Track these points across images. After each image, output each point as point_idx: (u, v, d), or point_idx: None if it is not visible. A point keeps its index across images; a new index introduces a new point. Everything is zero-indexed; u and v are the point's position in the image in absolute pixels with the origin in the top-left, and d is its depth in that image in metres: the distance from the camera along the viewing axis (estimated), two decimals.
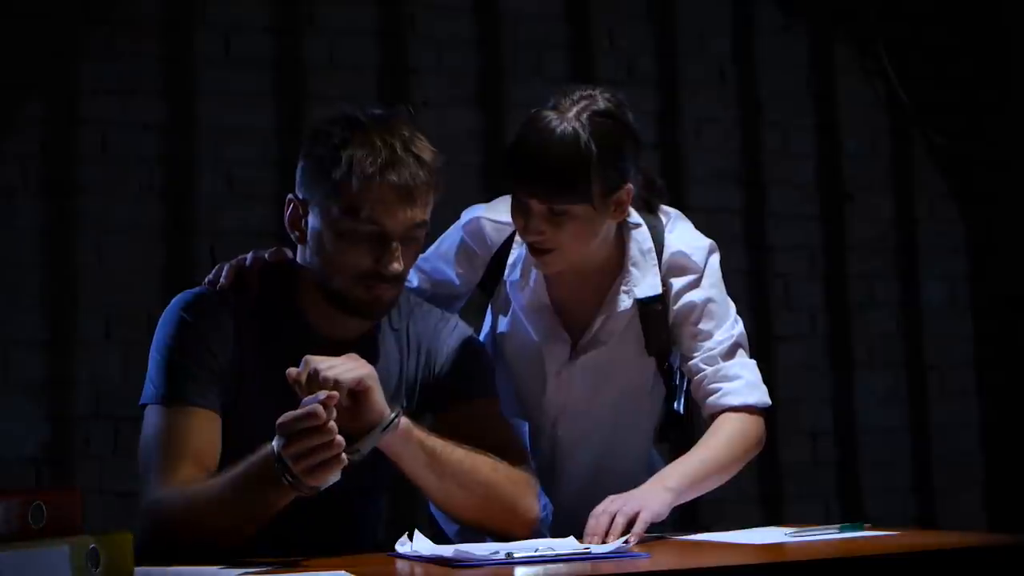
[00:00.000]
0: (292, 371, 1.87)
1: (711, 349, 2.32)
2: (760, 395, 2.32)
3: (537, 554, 1.83)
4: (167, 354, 2.04)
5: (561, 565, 1.78)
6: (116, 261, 3.74)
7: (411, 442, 1.98)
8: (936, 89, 4.70)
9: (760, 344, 4.49)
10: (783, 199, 4.52)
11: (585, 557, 1.82)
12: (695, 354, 2.33)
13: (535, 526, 2.10)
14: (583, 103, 2.18)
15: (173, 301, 2.11)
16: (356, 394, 1.89)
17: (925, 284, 4.67)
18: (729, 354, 2.32)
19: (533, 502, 2.09)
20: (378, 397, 1.92)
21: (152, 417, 2.02)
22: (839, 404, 4.53)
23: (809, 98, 4.61)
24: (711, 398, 2.30)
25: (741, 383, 2.30)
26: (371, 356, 2.10)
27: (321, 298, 2.05)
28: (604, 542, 1.99)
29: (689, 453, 2.25)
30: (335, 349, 1.99)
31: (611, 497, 2.12)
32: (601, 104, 2.20)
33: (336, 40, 4.04)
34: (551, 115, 2.17)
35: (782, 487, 4.39)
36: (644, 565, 1.77)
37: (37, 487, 3.44)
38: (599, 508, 2.09)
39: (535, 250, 2.22)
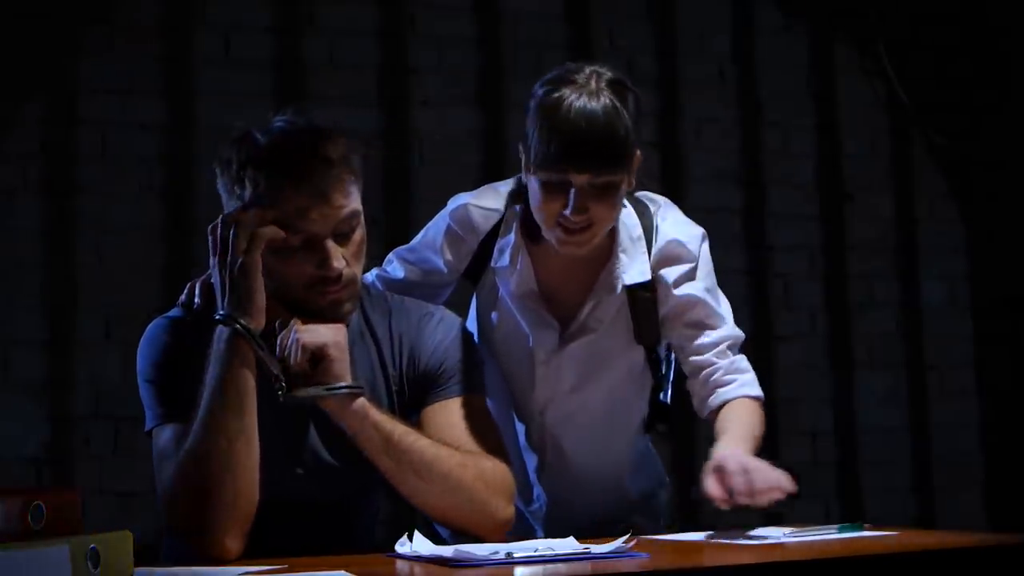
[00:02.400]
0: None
1: (722, 341, 2.32)
2: (757, 389, 2.34)
3: (537, 554, 1.83)
4: (155, 375, 2.06)
5: (561, 565, 1.78)
6: (116, 261, 3.74)
7: (366, 421, 1.99)
8: (936, 89, 4.70)
9: (760, 344, 4.50)
10: (783, 199, 4.52)
11: (585, 557, 1.82)
12: (704, 349, 2.32)
13: (507, 529, 2.07)
14: (596, 76, 2.21)
15: (148, 327, 2.13)
16: (318, 360, 1.95)
17: (925, 284, 4.67)
18: (728, 350, 2.33)
19: (503, 503, 2.07)
20: (339, 368, 1.97)
21: (158, 437, 2.03)
22: (839, 404, 4.53)
23: (809, 98, 4.61)
24: (725, 389, 2.30)
25: (751, 376, 2.33)
26: (351, 363, 2.10)
27: (286, 310, 2.04)
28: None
29: (731, 430, 2.22)
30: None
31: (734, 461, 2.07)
32: (611, 73, 2.23)
33: (336, 40, 4.04)
34: (574, 91, 2.18)
35: None
36: (644, 565, 1.77)
37: (37, 487, 3.45)
38: (733, 465, 2.05)
39: (573, 231, 2.21)
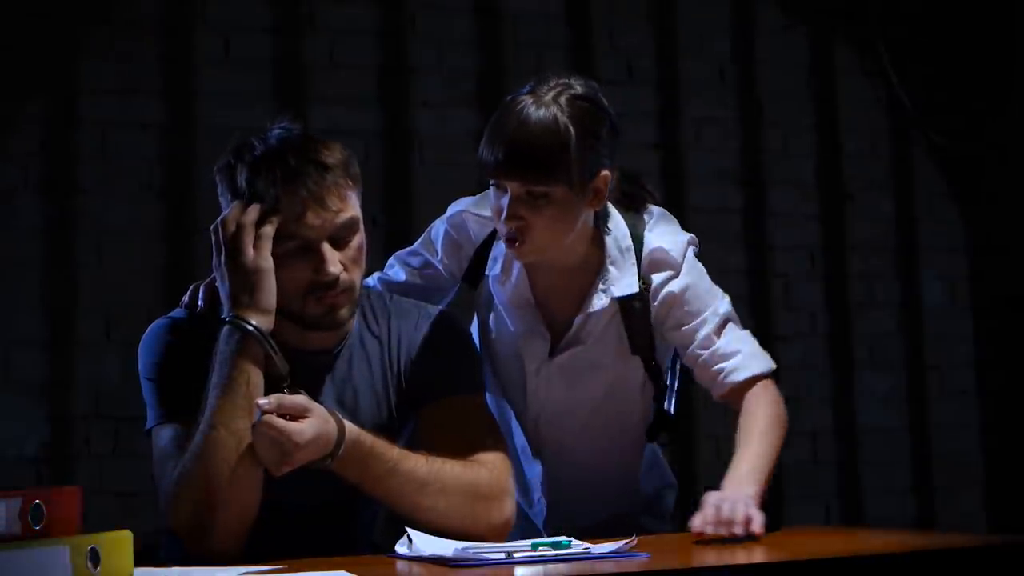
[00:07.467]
0: (262, 402, 1.89)
1: (700, 330, 2.29)
2: (763, 362, 2.30)
3: (537, 554, 1.83)
4: (156, 373, 2.06)
5: (561, 565, 1.78)
6: (116, 261, 3.74)
7: (366, 461, 1.97)
8: (936, 89, 4.70)
9: (760, 344, 4.49)
10: (783, 199, 4.52)
11: (585, 557, 1.82)
12: (687, 340, 2.30)
13: (507, 530, 2.06)
14: (559, 88, 2.20)
15: (151, 326, 2.13)
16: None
17: (925, 284, 4.67)
18: (720, 330, 2.29)
19: (501, 507, 2.06)
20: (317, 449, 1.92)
21: (158, 437, 2.04)
22: (839, 404, 4.53)
23: (809, 98, 4.61)
24: (717, 379, 2.28)
25: (741, 357, 2.28)
26: (349, 366, 2.11)
27: (285, 320, 2.04)
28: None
29: (744, 451, 2.19)
30: (312, 359, 2.06)
31: (715, 496, 2.07)
32: (578, 89, 2.22)
33: (336, 40, 4.04)
34: (527, 99, 2.18)
35: (782, 487, 4.39)
36: (644, 565, 1.77)
37: (37, 487, 3.44)
38: (712, 499, 2.04)
39: (510, 239, 2.21)
